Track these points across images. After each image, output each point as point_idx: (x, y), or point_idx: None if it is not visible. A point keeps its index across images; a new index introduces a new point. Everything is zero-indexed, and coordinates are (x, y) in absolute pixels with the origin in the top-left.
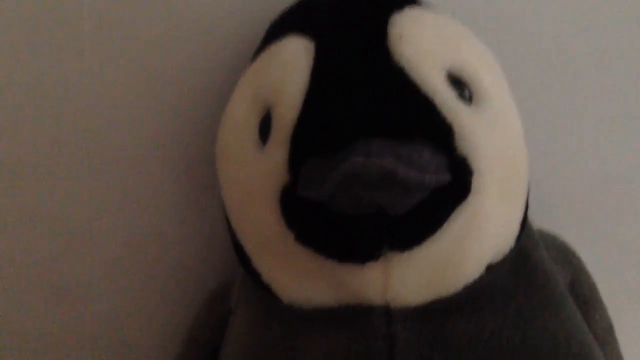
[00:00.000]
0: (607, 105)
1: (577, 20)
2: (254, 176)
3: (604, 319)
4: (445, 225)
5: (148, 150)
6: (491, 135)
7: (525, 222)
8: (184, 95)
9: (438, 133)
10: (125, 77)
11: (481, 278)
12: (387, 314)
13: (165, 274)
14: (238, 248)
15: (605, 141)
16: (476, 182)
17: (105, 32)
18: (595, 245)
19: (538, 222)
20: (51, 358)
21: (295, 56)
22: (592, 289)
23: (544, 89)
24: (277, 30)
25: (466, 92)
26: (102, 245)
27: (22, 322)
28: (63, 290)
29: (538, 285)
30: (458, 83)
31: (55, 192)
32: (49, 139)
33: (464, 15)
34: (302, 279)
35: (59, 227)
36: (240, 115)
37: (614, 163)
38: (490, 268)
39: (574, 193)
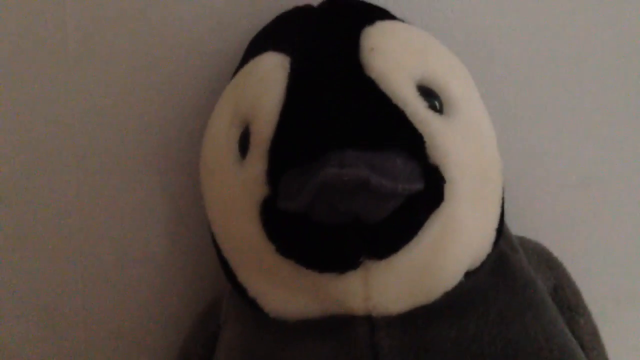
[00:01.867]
0: (583, 110)
1: (553, 25)
2: (234, 190)
3: (588, 324)
4: (421, 232)
5: (134, 168)
6: (462, 143)
7: (502, 228)
8: (170, 112)
9: (410, 142)
10: (110, 94)
11: (461, 284)
12: (370, 322)
13: (154, 292)
14: (224, 263)
15: (582, 145)
16: (449, 189)
17: (89, 47)
18: (574, 250)
19: (516, 228)
20: None
21: (271, 72)
22: (576, 294)
23: (519, 95)
24: (256, 47)
25: (436, 103)
26: (89, 264)
27: (11, 345)
28: (52, 310)
29: (518, 288)
30: (429, 94)
31: (42, 213)
32: (34, 156)
33: (436, 24)
34: (286, 291)
35: (46, 247)
36: (220, 131)
37: (592, 167)
38: (469, 274)
39: (551, 198)
